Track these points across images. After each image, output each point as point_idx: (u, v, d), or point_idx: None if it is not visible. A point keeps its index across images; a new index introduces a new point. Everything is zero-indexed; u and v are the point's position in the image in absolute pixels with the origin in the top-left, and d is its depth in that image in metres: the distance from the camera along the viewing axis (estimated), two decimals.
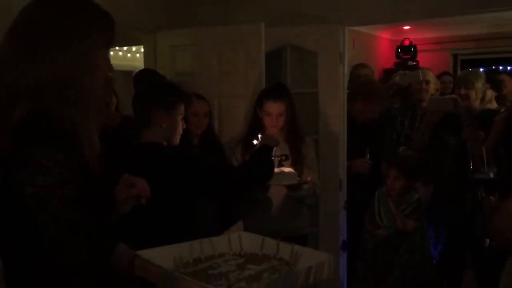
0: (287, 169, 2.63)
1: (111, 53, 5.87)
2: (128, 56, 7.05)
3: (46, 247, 1.04)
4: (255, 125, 2.82)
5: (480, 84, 3.34)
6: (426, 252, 3.03)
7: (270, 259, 1.11)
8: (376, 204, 3.07)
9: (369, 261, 3.04)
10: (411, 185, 3.06)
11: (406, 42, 5.76)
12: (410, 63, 5.65)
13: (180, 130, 2.13)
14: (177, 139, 2.13)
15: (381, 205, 3.05)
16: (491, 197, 1.92)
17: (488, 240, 2.86)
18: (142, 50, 6.60)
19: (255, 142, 2.41)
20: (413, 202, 3.01)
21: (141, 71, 3.58)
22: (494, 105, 3.47)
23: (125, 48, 6.71)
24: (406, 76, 3.79)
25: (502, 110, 3.21)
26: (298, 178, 2.65)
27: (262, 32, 3.13)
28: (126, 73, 6.51)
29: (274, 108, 2.72)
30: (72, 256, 1.04)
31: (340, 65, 3.26)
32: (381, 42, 6.08)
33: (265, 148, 2.31)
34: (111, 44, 1.21)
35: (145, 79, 3.22)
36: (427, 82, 3.60)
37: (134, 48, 6.82)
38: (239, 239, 1.22)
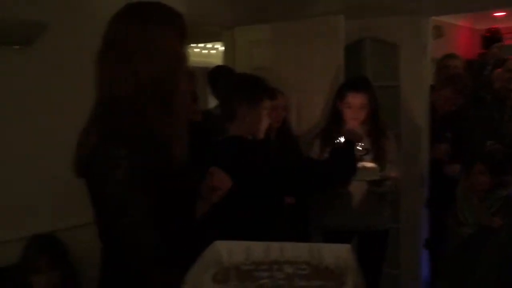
0: (368, 165, 2.57)
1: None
2: (203, 52, 7.21)
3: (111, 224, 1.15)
4: (335, 118, 2.79)
5: None
6: None
7: (335, 278, 1.06)
8: (459, 201, 2.95)
9: (453, 260, 2.93)
10: (498, 181, 2.90)
11: (493, 30, 5.41)
12: None
13: (264, 125, 2.15)
14: (261, 133, 2.15)
15: (464, 201, 2.93)
16: None
17: None
18: (217, 46, 6.79)
19: (342, 139, 2.36)
20: (499, 198, 2.87)
21: (216, 68, 3.65)
22: None
23: (200, 45, 6.86)
24: (505, 49, 3.58)
25: None
26: (380, 174, 2.59)
27: (341, 25, 3.08)
28: (201, 70, 6.68)
29: (356, 100, 2.67)
30: (122, 230, 1.13)
31: (424, 57, 3.14)
32: (462, 32, 5.77)
33: (348, 143, 2.27)
34: (185, 41, 1.29)
35: (219, 76, 3.28)
36: None
37: (209, 45, 6.95)
38: (319, 250, 1.18)
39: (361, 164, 2.49)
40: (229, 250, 1.12)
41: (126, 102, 1.18)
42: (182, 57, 1.27)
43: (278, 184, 2.02)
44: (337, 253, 1.13)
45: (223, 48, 3.94)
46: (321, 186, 2.18)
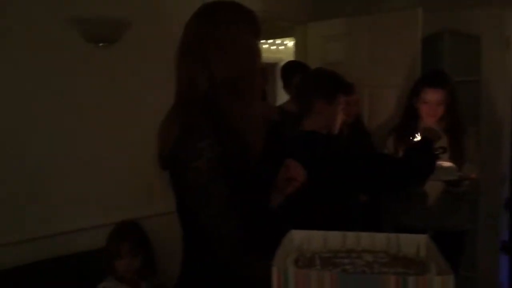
0: (445, 164, 2.48)
1: None
2: (272, 48, 7.26)
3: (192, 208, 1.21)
4: (410, 114, 2.71)
5: None
6: None
7: (416, 264, 1.04)
8: None
9: None
10: None
11: None
12: None
13: (340, 120, 2.14)
14: (336, 129, 2.15)
15: None
16: None
17: None
18: (286, 42, 6.80)
19: (418, 137, 2.30)
20: None
21: (289, 63, 3.66)
22: None
23: (269, 41, 6.91)
24: None
25: None
26: (457, 174, 2.49)
27: (419, 18, 2.99)
28: (271, 65, 6.74)
29: (432, 96, 2.58)
30: (205, 219, 1.18)
31: (507, 50, 2.98)
32: None
33: (425, 141, 2.21)
34: (259, 37, 1.33)
35: (293, 71, 3.29)
36: None
37: (278, 41, 6.98)
38: (397, 239, 1.16)
39: (438, 163, 2.41)
40: (306, 238, 1.14)
41: (203, 98, 1.23)
42: (256, 53, 1.30)
43: (352, 180, 2.01)
44: (416, 243, 1.11)
45: (292, 44, 3.95)
46: (396, 184, 2.14)
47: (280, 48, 7.09)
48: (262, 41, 5.38)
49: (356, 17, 3.33)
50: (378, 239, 1.14)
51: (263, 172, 1.38)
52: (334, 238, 1.15)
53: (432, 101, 2.58)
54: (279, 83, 3.63)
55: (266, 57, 6.94)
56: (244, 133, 1.23)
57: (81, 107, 2.34)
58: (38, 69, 2.19)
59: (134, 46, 2.49)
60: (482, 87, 3.06)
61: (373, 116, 3.27)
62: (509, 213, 3.11)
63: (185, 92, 1.27)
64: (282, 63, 3.76)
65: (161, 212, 2.51)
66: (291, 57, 4.12)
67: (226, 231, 1.18)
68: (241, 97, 1.24)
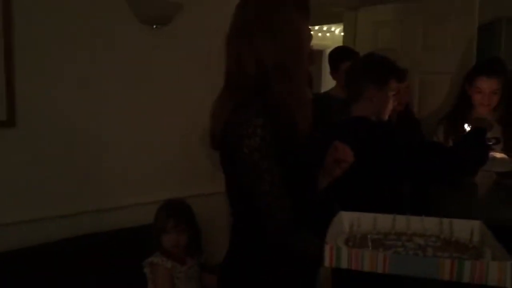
0: (499, 155, 2.41)
1: None
2: (319, 35, 7.19)
3: (244, 187, 1.23)
4: (463, 103, 2.64)
5: None
6: None
7: (469, 249, 1.02)
8: None
9: None
10: None
11: None
12: None
13: (390, 106, 2.11)
14: (386, 115, 2.12)
15: None
16: None
17: None
18: (333, 29, 6.71)
19: (466, 127, 2.24)
20: None
21: (337, 49, 3.62)
22: None
23: (316, 27, 6.86)
24: None
25: None
26: (511, 165, 2.41)
27: (476, 4, 2.89)
28: (317, 52, 6.68)
29: (486, 85, 2.50)
30: (258, 196, 1.19)
31: None
32: None
33: (477, 131, 2.15)
34: (308, 21, 1.32)
35: (342, 57, 3.25)
36: None
37: (325, 27, 6.91)
38: (450, 224, 1.15)
39: (491, 153, 2.34)
40: (356, 220, 1.14)
41: (252, 80, 1.25)
42: (306, 37, 1.30)
43: (401, 166, 1.98)
44: (470, 228, 1.10)
45: (338, 30, 3.90)
46: (445, 174, 2.09)
47: (327, 35, 7.03)
48: (309, 27, 5.30)
49: (408, 3, 3.25)
50: (429, 223, 1.13)
51: (311, 154, 1.38)
52: (384, 221, 1.15)
53: (486, 90, 2.50)
54: (326, 70, 3.60)
55: (312, 43, 6.90)
56: (293, 115, 1.24)
57: (133, 88, 2.40)
58: (92, 50, 2.25)
59: (186, 28, 2.52)
60: None
61: (424, 104, 3.19)
62: None
63: (234, 73, 1.29)
64: (329, 50, 3.72)
65: (208, 192, 2.56)
66: (337, 44, 4.07)
67: (279, 208, 1.19)
68: (289, 79, 1.24)
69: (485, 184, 2.55)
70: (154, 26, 2.41)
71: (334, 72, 3.37)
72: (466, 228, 1.10)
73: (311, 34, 1.34)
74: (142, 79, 2.43)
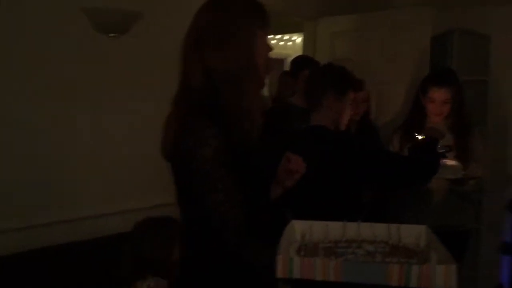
0: (450, 162, 2.48)
1: None
2: (280, 44, 7.26)
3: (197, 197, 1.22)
4: (417, 112, 2.71)
5: None
6: None
7: (417, 254, 1.06)
8: None
9: None
10: None
11: None
12: None
13: (348, 116, 2.16)
14: (344, 124, 2.17)
15: None
16: None
17: None
18: (294, 38, 6.79)
19: (417, 136, 2.32)
20: None
21: (298, 58, 3.66)
22: None
23: (278, 36, 6.92)
24: None
25: None
26: (462, 173, 2.49)
27: (430, 16, 3.00)
28: (278, 61, 6.75)
29: (439, 94, 2.58)
30: (211, 206, 1.19)
31: None
32: None
33: (430, 140, 2.23)
34: (266, 27, 1.32)
35: (303, 66, 3.29)
36: None
37: (286, 36, 6.99)
38: (398, 230, 1.18)
39: (443, 161, 2.41)
40: (307, 229, 1.16)
41: (202, 88, 1.25)
42: (260, 46, 1.29)
43: (357, 176, 2.02)
44: (416, 233, 1.13)
45: (300, 39, 3.96)
46: (400, 182, 2.15)
47: (288, 44, 7.10)
48: (270, 36, 5.38)
49: (365, 14, 3.33)
50: (378, 229, 1.16)
51: (264, 164, 1.40)
52: (335, 228, 1.17)
53: (438, 99, 2.58)
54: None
55: (273, 52, 6.96)
56: (243, 124, 1.24)
57: (89, 96, 2.36)
58: (47, 57, 2.21)
59: (144, 37, 2.50)
60: (490, 87, 3.06)
61: (381, 113, 3.27)
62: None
63: (185, 82, 1.29)
64: (290, 59, 3.77)
65: (162, 203, 2.53)
66: (298, 53, 4.12)
67: (232, 217, 1.19)
68: (239, 89, 1.24)
69: (439, 191, 2.63)
70: (111, 35, 2.38)
71: (294, 80, 3.42)
72: (413, 233, 1.14)
73: (268, 43, 1.34)
74: (99, 89, 2.39)
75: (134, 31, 2.45)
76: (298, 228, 1.19)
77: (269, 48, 1.34)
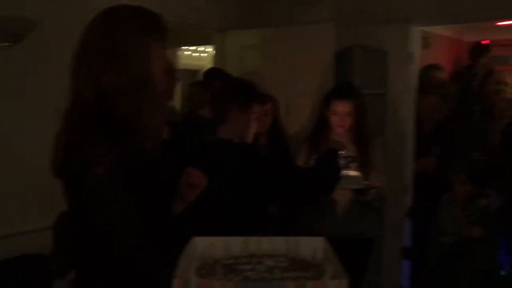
0: (352, 173, 2.59)
1: (178, 53, 6.06)
2: (194, 56, 7.24)
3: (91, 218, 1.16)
4: (321, 125, 2.81)
5: None
6: (494, 261, 2.90)
7: (313, 267, 1.08)
8: (442, 211, 2.99)
9: (434, 269, 2.95)
10: (479, 192, 2.94)
11: (483, 42, 5.46)
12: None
13: (253, 129, 2.18)
14: (249, 137, 2.18)
15: (447, 211, 2.96)
16: None
17: None
18: (208, 50, 6.80)
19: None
20: (480, 208, 2.90)
21: (210, 70, 3.67)
22: None
23: (191, 48, 6.89)
24: (495, 59, 3.67)
25: None
26: (364, 182, 2.61)
27: (332, 32, 3.13)
28: (192, 72, 6.72)
29: (341, 107, 2.70)
30: (108, 228, 1.15)
31: (411, 66, 3.18)
32: (449, 43, 5.83)
33: (331, 152, 2.31)
34: (162, 39, 1.28)
35: (215, 77, 3.30)
36: (505, 84, 3.45)
37: (201, 48, 6.98)
38: (296, 243, 1.19)
39: (345, 172, 2.51)
40: (209, 245, 1.14)
41: (92, 103, 1.19)
42: (155, 58, 1.25)
43: (260, 189, 2.04)
44: (314, 245, 1.15)
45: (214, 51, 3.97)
46: (303, 194, 2.20)
47: (202, 55, 7.09)
48: (184, 47, 5.33)
49: (272, 28, 3.40)
50: (278, 243, 1.17)
51: (170, 179, 1.37)
52: (236, 244, 1.16)
53: (340, 112, 2.70)
54: None
55: (187, 63, 6.94)
56: (140, 140, 1.20)
57: None
58: None
59: (39, 47, 2.36)
60: (387, 100, 3.24)
61: (290, 126, 3.34)
62: (411, 221, 3.30)
63: (74, 98, 1.22)
64: (204, 70, 3.77)
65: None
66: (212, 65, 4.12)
67: (128, 237, 1.15)
68: (132, 104, 1.19)
69: (342, 201, 2.73)
70: (3, 44, 2.22)
71: (206, 91, 3.40)
72: (311, 246, 1.16)
73: (164, 55, 1.29)
74: None
75: (28, 41, 2.31)
76: (200, 245, 1.16)
77: (167, 60, 1.30)
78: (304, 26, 3.24)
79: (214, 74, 3.41)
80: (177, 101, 5.13)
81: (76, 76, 1.21)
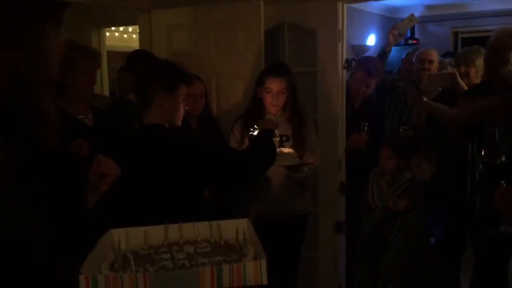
0: (286, 150, 2.59)
1: (107, 33, 5.78)
2: (125, 36, 6.95)
3: None
4: (256, 104, 2.79)
5: (480, 62, 3.29)
6: (422, 231, 3.01)
7: (235, 252, 1.04)
8: (370, 185, 3.05)
9: (366, 242, 3.03)
10: (404, 164, 3.03)
11: None
12: (410, 42, 5.53)
13: (182, 112, 2.11)
14: (179, 121, 2.11)
15: (375, 186, 3.03)
16: (503, 183, 1.88)
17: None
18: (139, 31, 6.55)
19: (255, 132, 2.39)
20: (405, 181, 2.98)
21: (134, 53, 3.50)
22: None
23: (121, 28, 6.61)
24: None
25: None
26: (297, 160, 2.61)
27: (261, 10, 3.06)
28: (123, 54, 6.44)
29: (275, 84, 2.69)
30: (6, 227, 1.05)
31: (339, 43, 3.19)
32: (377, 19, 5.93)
33: (265, 132, 2.29)
34: (58, 23, 1.22)
35: (139, 60, 3.15)
36: (430, 62, 3.54)
37: (130, 29, 6.72)
38: (218, 227, 1.15)
39: (279, 149, 2.50)
40: (126, 237, 1.07)
41: None
42: (50, 45, 1.18)
43: (193, 175, 1.98)
44: (236, 227, 1.11)
45: None
46: (241, 177, 2.17)
47: (133, 36, 6.81)
48: (112, 28, 5.07)
49: (200, 6, 3.29)
50: (200, 228, 1.12)
51: (72, 169, 1.28)
52: (156, 233, 1.10)
53: (274, 89, 2.68)
54: None
55: (117, 45, 6.64)
56: (36, 130, 1.12)
57: None
58: None
59: None
60: (318, 78, 3.24)
61: (222, 106, 3.28)
62: (344, 195, 3.35)
63: None
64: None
65: None
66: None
67: (30, 236, 1.05)
68: (28, 92, 1.12)
69: (276, 179, 2.73)
70: None
71: (131, 76, 3.25)
72: (233, 228, 1.11)
73: (58, 42, 1.22)
74: None
75: None
76: (116, 238, 1.09)
77: (61, 46, 1.24)
78: (232, 3, 3.15)
79: (137, 57, 3.25)
80: (105, 86, 4.92)
81: None
